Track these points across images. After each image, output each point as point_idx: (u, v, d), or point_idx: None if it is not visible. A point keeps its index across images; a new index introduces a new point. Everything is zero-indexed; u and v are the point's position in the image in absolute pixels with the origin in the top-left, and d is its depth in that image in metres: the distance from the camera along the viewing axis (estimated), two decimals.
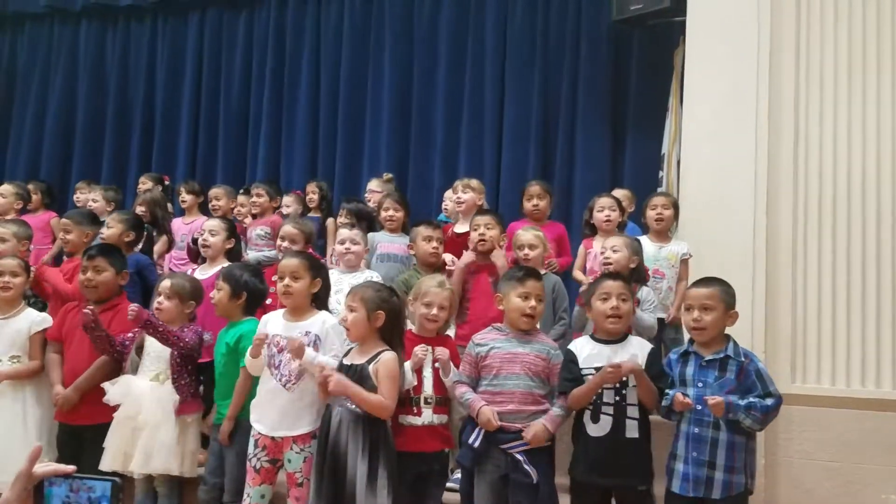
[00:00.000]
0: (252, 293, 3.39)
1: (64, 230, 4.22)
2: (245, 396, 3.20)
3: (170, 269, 4.77)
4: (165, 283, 3.49)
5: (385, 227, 4.52)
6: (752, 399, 2.77)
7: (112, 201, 5.58)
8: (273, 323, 3.16)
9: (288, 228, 4.23)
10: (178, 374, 3.34)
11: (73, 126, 7.38)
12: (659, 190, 5.19)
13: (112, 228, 4.18)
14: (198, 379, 3.44)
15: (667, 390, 2.87)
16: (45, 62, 7.56)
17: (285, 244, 4.13)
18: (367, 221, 4.65)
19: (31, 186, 5.83)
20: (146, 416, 3.27)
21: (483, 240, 3.80)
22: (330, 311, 3.30)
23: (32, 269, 3.93)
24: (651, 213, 4.13)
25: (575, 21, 6.08)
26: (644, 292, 3.55)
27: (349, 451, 2.80)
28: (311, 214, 5.48)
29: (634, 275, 3.56)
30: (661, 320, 3.80)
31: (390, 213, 4.53)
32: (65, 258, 4.40)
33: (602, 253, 3.70)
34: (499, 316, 3.16)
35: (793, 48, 3.95)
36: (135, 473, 3.26)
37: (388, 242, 4.38)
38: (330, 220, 5.26)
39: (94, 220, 4.37)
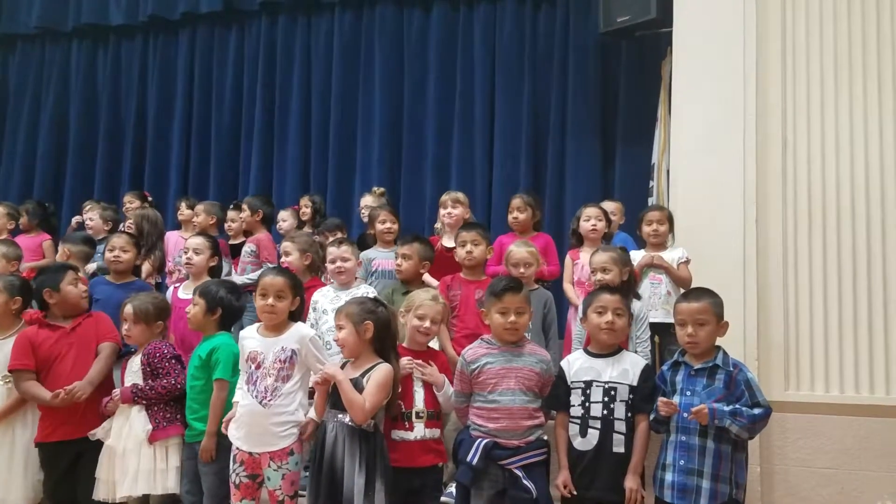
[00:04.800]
0: (227, 309, 3.40)
1: (66, 255, 4.30)
2: (222, 409, 3.21)
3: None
4: (128, 310, 3.49)
5: (382, 239, 4.51)
6: (737, 406, 2.78)
7: (110, 220, 5.56)
8: (249, 339, 3.17)
9: (285, 244, 4.26)
10: (152, 402, 3.37)
11: (65, 145, 7.36)
12: (651, 202, 5.21)
13: (128, 252, 4.21)
14: (177, 407, 3.42)
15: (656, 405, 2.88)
16: (36, 82, 7.55)
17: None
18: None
19: (23, 207, 5.80)
20: (125, 443, 3.33)
21: (471, 256, 3.82)
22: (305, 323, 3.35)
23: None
24: (647, 229, 4.10)
25: (563, 34, 6.11)
26: (636, 308, 3.53)
27: (346, 465, 2.81)
28: (305, 229, 5.49)
29: (625, 287, 3.56)
30: (665, 325, 3.76)
31: (387, 224, 4.51)
32: None
33: (592, 273, 3.69)
34: (486, 330, 3.17)
35: (779, 58, 3.99)
36: (117, 498, 3.30)
37: (382, 259, 4.36)
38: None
39: (86, 241, 4.40)
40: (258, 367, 3.09)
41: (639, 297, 3.72)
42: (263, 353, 3.10)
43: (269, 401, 3.04)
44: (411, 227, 5.90)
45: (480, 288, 3.71)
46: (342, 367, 3.01)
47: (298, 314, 3.26)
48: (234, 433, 3.09)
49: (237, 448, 3.07)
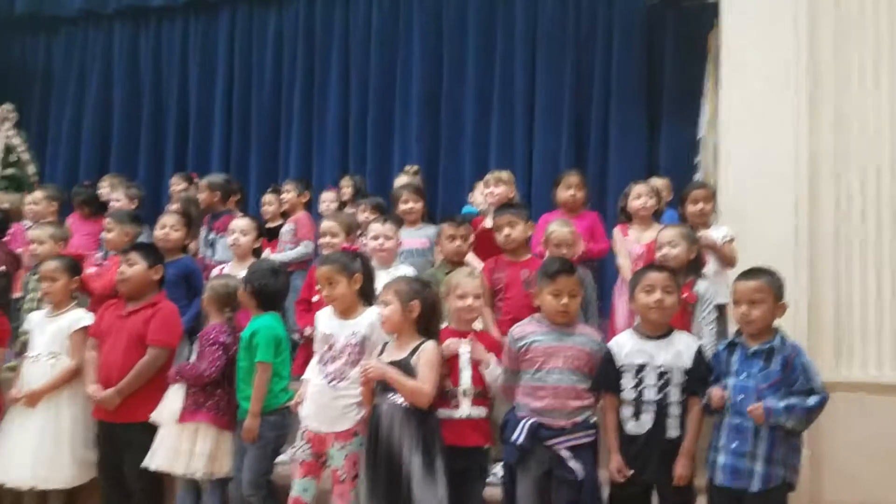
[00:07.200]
0: (267, 293, 3.41)
1: (106, 229, 4.31)
2: (264, 391, 3.26)
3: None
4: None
5: (405, 219, 4.42)
6: (792, 401, 2.72)
7: (135, 198, 5.52)
8: (324, 321, 3.20)
9: (326, 223, 4.23)
10: (189, 384, 3.43)
11: (109, 128, 7.47)
12: (698, 177, 5.11)
13: (179, 232, 4.21)
14: (214, 393, 3.43)
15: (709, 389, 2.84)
16: (80, 65, 7.66)
17: (326, 240, 4.13)
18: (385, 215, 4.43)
19: (78, 197, 5.79)
20: (156, 417, 3.45)
21: (510, 239, 3.76)
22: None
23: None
24: (693, 209, 3.98)
25: (606, 5, 6.00)
26: (702, 289, 3.37)
27: (403, 445, 2.83)
28: (346, 209, 5.50)
29: (692, 266, 3.45)
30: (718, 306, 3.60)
31: (409, 205, 4.45)
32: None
33: (659, 249, 3.54)
34: (534, 311, 3.13)
35: (832, 29, 3.87)
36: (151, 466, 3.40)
37: (407, 238, 4.26)
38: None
39: (134, 219, 4.44)
40: (330, 348, 3.12)
41: (700, 275, 3.52)
42: (335, 336, 3.13)
43: (338, 383, 3.07)
44: (450, 205, 5.91)
45: (525, 268, 3.67)
46: (381, 350, 3.02)
47: (369, 291, 3.23)
48: (303, 411, 3.13)
49: (305, 427, 3.12)
